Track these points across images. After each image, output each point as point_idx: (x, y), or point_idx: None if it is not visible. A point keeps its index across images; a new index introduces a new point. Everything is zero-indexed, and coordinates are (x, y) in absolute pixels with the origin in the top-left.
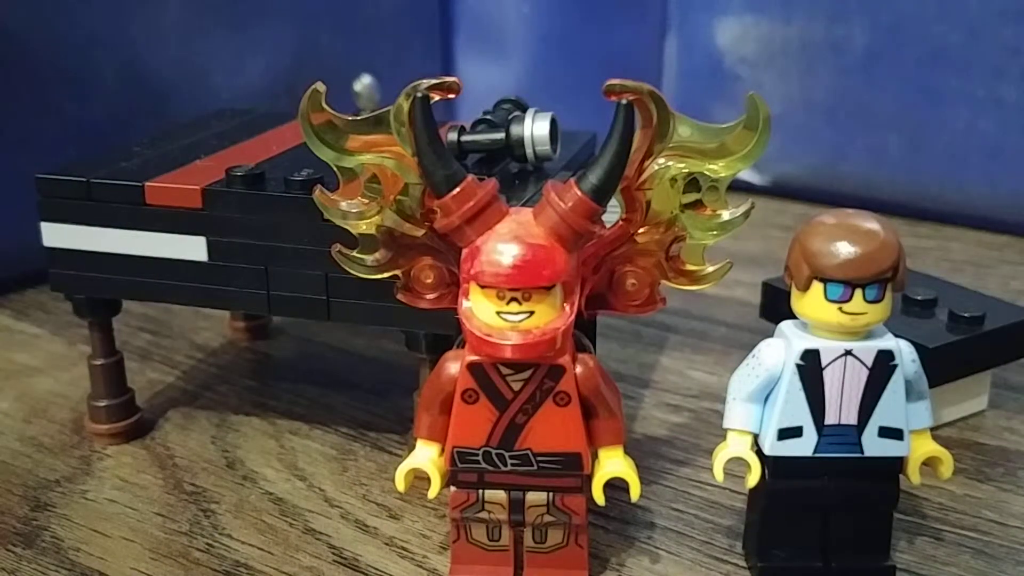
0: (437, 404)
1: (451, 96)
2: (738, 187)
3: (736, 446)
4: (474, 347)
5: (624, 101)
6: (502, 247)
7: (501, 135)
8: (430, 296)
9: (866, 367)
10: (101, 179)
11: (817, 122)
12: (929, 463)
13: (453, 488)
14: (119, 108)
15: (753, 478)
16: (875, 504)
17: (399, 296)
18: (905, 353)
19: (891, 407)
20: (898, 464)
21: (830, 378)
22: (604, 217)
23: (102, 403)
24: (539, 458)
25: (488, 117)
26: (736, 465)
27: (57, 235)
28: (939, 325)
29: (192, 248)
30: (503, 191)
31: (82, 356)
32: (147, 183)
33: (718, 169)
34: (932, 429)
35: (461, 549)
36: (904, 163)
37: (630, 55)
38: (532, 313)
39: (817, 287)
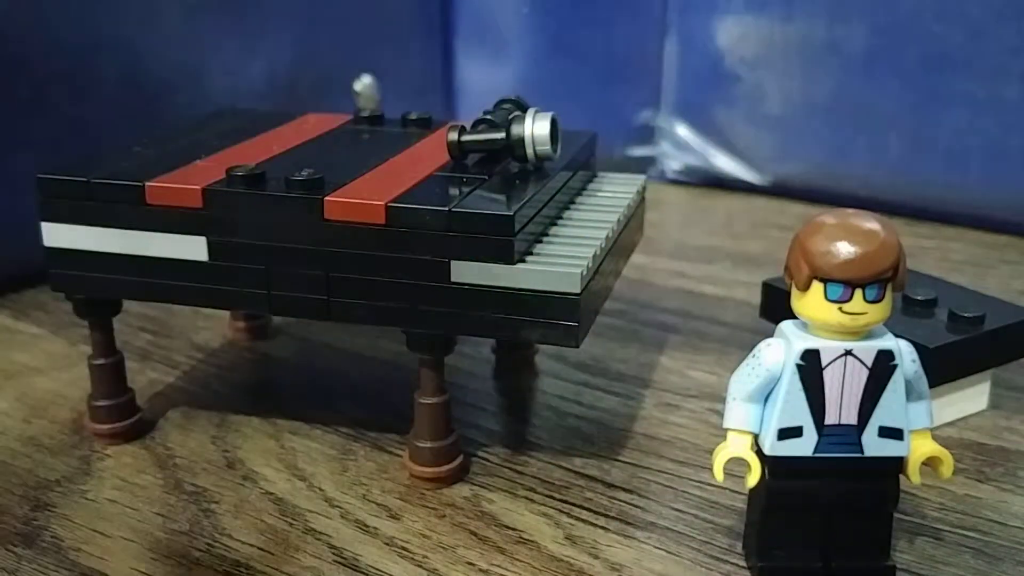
0: None
1: None
2: (738, 187)
3: (736, 446)
4: None
5: None
6: None
7: (501, 135)
8: None
9: (866, 367)
10: (101, 179)
11: (817, 122)
12: (929, 463)
13: None
14: (119, 108)
15: (753, 478)
16: (875, 504)
17: None
18: (905, 353)
19: (891, 407)
20: (898, 464)
21: (830, 378)
22: None
23: (102, 403)
24: None
25: (488, 117)
26: (736, 465)
27: (57, 235)
28: (939, 325)
29: (193, 248)
30: (503, 191)
31: (82, 356)
32: (147, 183)
33: None
34: (932, 429)
35: None
36: (904, 163)
37: (630, 55)
38: None
39: (817, 287)
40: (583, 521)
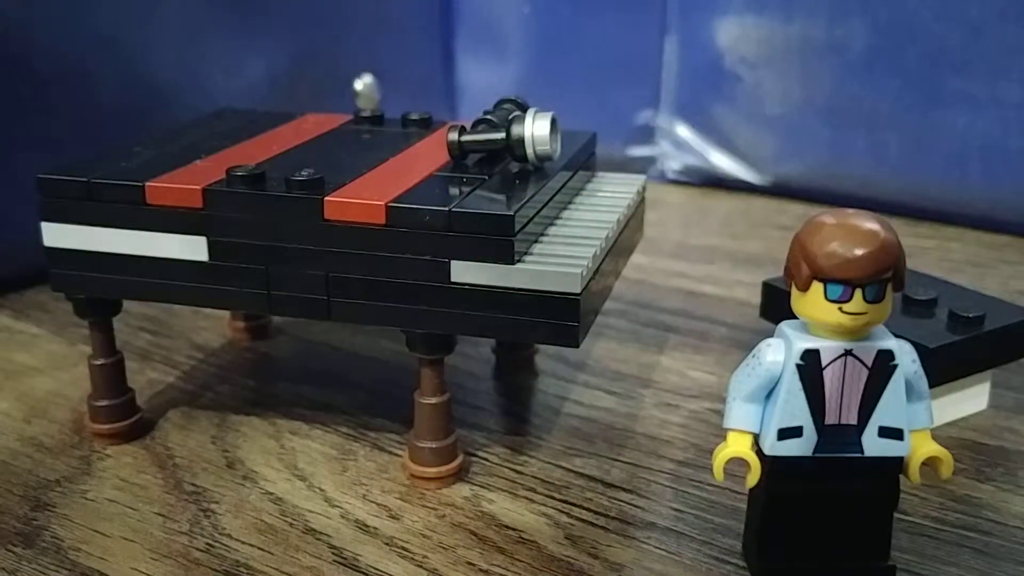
0: None
1: None
2: (738, 187)
3: (736, 446)
4: None
5: None
6: None
7: (501, 135)
8: None
9: (866, 367)
10: (101, 179)
11: (817, 122)
12: (929, 463)
13: None
14: (119, 108)
15: (753, 478)
16: (875, 504)
17: None
18: (905, 353)
19: (891, 407)
20: (898, 464)
21: (830, 378)
22: None
23: (102, 403)
24: None
25: (488, 117)
26: (736, 465)
27: (57, 235)
28: (939, 325)
29: (193, 248)
30: (503, 191)
31: (82, 356)
32: (147, 183)
33: None
34: (932, 429)
35: None
36: (904, 163)
37: (630, 55)
38: None
39: (817, 287)
40: (583, 521)
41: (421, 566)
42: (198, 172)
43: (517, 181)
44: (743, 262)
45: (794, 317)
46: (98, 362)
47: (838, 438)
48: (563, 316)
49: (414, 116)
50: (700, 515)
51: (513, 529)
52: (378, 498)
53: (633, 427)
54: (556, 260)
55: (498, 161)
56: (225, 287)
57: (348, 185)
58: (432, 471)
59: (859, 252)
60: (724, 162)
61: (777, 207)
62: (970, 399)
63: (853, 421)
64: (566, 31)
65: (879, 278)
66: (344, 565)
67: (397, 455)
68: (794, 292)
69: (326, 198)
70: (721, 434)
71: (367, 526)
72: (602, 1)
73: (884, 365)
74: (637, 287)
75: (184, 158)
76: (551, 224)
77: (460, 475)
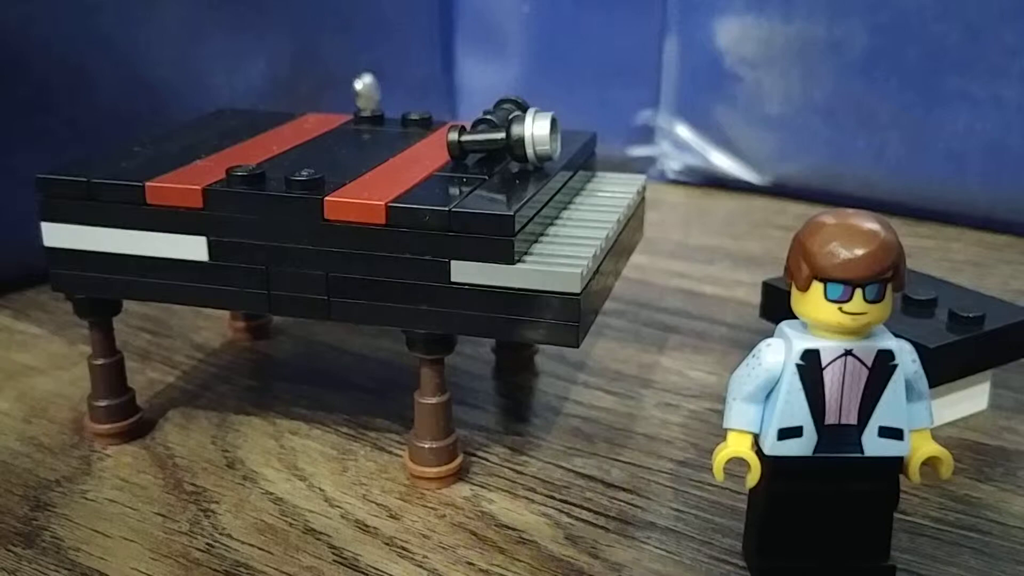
0: None
1: None
2: (738, 187)
3: (736, 446)
4: None
5: None
6: None
7: (501, 135)
8: None
9: (866, 367)
10: (101, 179)
11: (817, 122)
12: (929, 463)
13: None
14: (119, 108)
15: (753, 478)
16: (875, 504)
17: None
18: (905, 353)
19: (891, 407)
20: (898, 464)
21: (830, 378)
22: None
23: (102, 403)
24: None
25: (488, 117)
26: (736, 465)
27: (57, 235)
28: (939, 325)
29: (193, 248)
30: (503, 191)
31: (82, 356)
32: (147, 183)
33: None
34: (932, 429)
35: None
36: (904, 163)
37: (630, 55)
38: None
39: (817, 287)
40: (583, 521)
41: (421, 566)
42: (198, 172)
43: (517, 181)
44: (743, 262)
45: (794, 317)
46: (98, 362)
47: (838, 438)
48: (563, 316)
49: (414, 116)
50: (700, 515)
51: (513, 529)
52: (378, 498)
53: (633, 427)
54: (556, 260)
55: (498, 161)
56: (225, 287)
57: (348, 185)
58: (432, 471)
59: (859, 252)
60: (724, 162)
61: (777, 207)
62: (970, 399)
63: (853, 421)
64: (566, 31)
65: (879, 278)
66: (344, 565)
67: (397, 455)
68: (794, 292)
69: (326, 198)
70: (721, 434)
71: (367, 526)
72: (602, 1)
73: (884, 365)
74: (637, 287)
75: (184, 158)
76: (551, 224)
77: (460, 475)
